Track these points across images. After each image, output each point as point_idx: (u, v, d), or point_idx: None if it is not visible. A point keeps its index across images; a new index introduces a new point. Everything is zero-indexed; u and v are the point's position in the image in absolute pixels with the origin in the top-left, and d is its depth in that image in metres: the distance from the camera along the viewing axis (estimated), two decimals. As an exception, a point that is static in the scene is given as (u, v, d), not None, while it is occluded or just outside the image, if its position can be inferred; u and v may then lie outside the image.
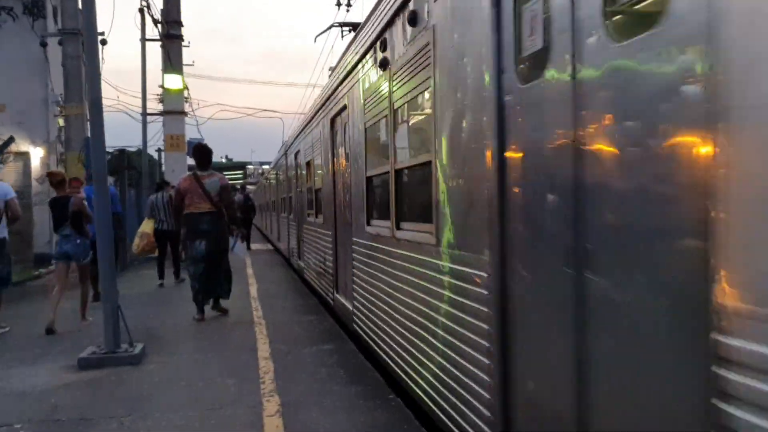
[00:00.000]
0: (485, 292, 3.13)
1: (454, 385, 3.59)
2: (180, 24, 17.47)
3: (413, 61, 4.23)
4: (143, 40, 18.20)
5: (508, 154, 2.89)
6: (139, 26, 17.97)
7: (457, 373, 3.53)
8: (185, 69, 33.59)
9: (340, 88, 7.32)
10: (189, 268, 8.77)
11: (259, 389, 5.42)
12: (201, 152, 8.86)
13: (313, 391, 5.37)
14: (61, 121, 18.16)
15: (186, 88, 18.46)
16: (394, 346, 5.01)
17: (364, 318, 6.34)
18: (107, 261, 6.58)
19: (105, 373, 6.09)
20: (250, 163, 75.11)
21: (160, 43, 17.76)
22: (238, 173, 63.49)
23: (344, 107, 7.10)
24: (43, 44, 16.72)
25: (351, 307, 7.03)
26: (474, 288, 3.27)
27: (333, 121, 8.16)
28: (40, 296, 11.41)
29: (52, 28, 17.58)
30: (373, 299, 5.79)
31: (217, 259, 8.62)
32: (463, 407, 3.46)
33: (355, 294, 6.75)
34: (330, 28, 12.35)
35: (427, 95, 4.06)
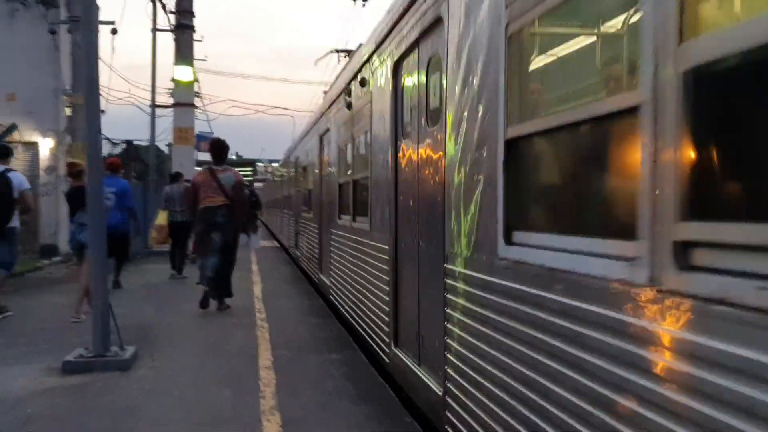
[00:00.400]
0: (387, 257, 5.25)
1: (374, 308, 5.90)
2: (192, 14, 16.97)
3: (362, 109, 6.48)
4: (154, 30, 17.70)
5: (399, 176, 4.93)
6: (151, 16, 17.48)
7: (376, 300, 5.78)
8: (197, 64, 33.10)
9: (325, 113, 9.53)
10: (200, 260, 8.92)
11: (258, 404, 4.84)
12: (217, 147, 9.05)
13: (318, 407, 4.79)
14: (68, 111, 17.64)
15: (197, 80, 17.95)
16: (347, 297, 7.36)
17: (334, 286, 8.44)
18: (99, 256, 6.02)
19: (90, 379, 5.53)
20: (260, 161, 74.55)
21: (171, 35, 17.24)
22: (248, 170, 63.23)
23: (327, 129, 9.28)
24: (52, 32, 16.23)
25: (328, 282, 9.02)
26: (383, 254, 5.41)
27: (321, 138, 10.09)
28: (36, 289, 10.92)
29: (65, 17, 17.10)
30: (339, 270, 7.96)
31: (229, 252, 8.76)
32: (375, 316, 5.84)
33: (330, 271, 8.75)
34: (328, 54, 14.23)
35: (366, 134, 6.24)
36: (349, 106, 7.22)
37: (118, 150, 15.05)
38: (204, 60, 37.10)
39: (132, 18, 18.77)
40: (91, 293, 6.92)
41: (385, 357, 5.39)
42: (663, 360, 1.78)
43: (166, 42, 16.93)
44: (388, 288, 5.19)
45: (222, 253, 8.60)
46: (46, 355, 6.27)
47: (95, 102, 6.06)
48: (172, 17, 17.16)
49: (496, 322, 2.92)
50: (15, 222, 8.07)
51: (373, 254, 5.79)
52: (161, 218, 12.02)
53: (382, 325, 5.45)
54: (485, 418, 3.03)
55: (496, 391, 2.90)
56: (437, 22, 3.80)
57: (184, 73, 16.74)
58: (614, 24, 2.36)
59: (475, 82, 3.13)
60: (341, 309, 7.84)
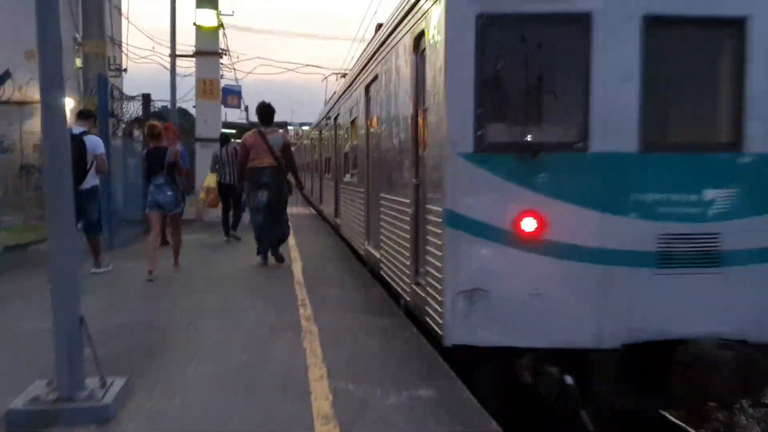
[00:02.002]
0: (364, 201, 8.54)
1: (355, 226, 9.32)
2: (216, -51, 14.62)
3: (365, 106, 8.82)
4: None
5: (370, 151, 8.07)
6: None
7: (357, 220, 9.11)
8: (224, 19, 30.86)
9: (375, 56, 7.90)
10: (251, 218, 9.34)
11: None
12: (265, 110, 9.10)
13: None
14: (78, 62, 15.44)
15: (221, 26, 15.57)
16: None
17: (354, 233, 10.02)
18: (65, 236, 3.83)
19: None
20: (291, 124, 72.58)
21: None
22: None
23: (376, 77, 7.83)
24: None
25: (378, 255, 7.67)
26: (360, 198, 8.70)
27: (367, 88, 8.61)
28: (36, 267, 8.76)
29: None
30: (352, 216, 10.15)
31: (277, 210, 8.95)
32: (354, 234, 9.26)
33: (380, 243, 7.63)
34: (327, 77, 16.35)
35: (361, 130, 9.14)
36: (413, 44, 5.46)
37: (132, 107, 12.81)
38: (231, 15, 34.94)
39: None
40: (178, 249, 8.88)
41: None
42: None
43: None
44: (364, 211, 8.80)
45: (270, 211, 8.83)
46: (11, 379, 4.15)
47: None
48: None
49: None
50: (93, 180, 8.26)
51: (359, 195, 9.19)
52: (210, 180, 12.04)
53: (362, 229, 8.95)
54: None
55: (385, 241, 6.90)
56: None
57: (207, 18, 14.47)
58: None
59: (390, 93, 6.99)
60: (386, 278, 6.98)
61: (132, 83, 38.00)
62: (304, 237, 12.57)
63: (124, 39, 28.79)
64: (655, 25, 4.09)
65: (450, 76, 4.26)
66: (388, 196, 6.79)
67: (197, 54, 14.78)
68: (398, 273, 6.19)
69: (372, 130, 8.12)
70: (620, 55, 4.10)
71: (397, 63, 6.15)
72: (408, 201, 5.67)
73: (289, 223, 9.52)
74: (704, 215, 4.16)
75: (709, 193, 4.17)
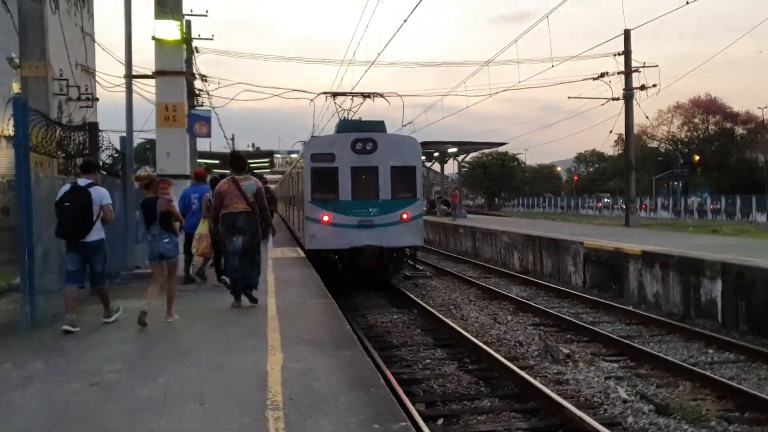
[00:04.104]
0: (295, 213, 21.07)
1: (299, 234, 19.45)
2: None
3: (293, 174, 22.74)
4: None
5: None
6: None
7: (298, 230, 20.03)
8: (202, 44, 28.47)
9: (287, 172, 29.65)
10: (230, 261, 9.74)
11: None
12: (238, 159, 10.03)
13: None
14: (15, 86, 12.89)
15: (184, 40, 13.19)
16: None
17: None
18: None
19: None
20: (278, 152, 70.53)
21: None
22: (265, 161, 59.45)
23: (293, 173, 22.99)
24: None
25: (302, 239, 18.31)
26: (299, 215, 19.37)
27: (290, 175, 25.22)
28: None
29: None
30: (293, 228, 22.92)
31: (251, 254, 9.55)
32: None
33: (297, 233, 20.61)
34: (313, 100, 34.26)
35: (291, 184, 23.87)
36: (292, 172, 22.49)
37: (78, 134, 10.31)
38: (210, 39, 32.66)
39: None
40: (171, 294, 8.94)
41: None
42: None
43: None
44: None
45: (244, 254, 9.45)
46: None
47: None
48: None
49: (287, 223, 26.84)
50: (99, 234, 8.37)
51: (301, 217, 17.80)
52: (203, 227, 11.68)
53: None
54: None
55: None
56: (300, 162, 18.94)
57: (167, 30, 12.21)
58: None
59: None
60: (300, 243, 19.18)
61: (106, 114, 35.41)
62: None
63: (100, 66, 26.74)
64: (354, 168, 16.00)
65: (305, 175, 16.16)
66: (296, 211, 20.23)
67: (157, 74, 12.47)
68: (298, 236, 19.47)
69: (290, 187, 23.20)
70: (345, 173, 15.98)
71: (297, 169, 19.60)
72: (299, 212, 18.04)
73: (260, 266, 10.05)
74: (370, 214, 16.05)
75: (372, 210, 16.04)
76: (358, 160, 15.89)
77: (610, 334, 11.57)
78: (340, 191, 15.85)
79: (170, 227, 8.74)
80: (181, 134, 12.66)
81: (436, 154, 44.03)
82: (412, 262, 18.92)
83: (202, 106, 26.07)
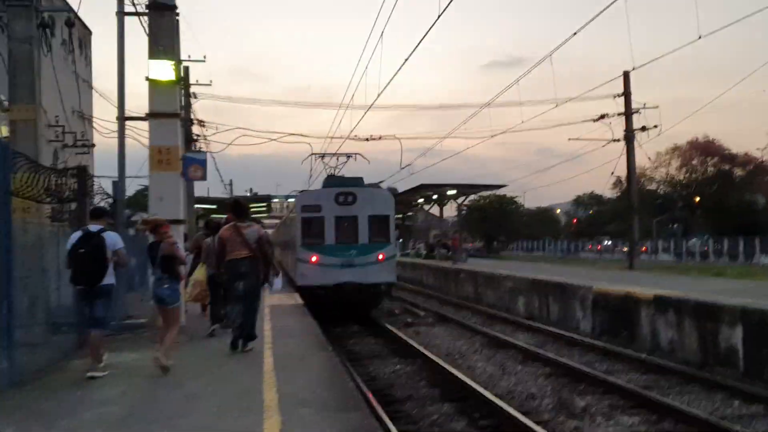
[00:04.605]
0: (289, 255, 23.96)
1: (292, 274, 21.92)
2: (173, -10, 12.05)
3: (286, 221, 27.62)
4: (121, 13, 12.80)
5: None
6: None
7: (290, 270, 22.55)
8: (200, 90, 28.29)
9: (284, 218, 33.28)
10: (229, 308, 10.31)
11: None
12: (239, 206, 10.45)
13: None
14: (4, 130, 12.52)
15: (179, 80, 12.85)
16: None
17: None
18: None
19: None
20: (275, 197, 70.07)
21: (143, 20, 12.27)
22: (262, 206, 59.23)
23: (287, 220, 27.99)
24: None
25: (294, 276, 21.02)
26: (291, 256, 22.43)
27: (283, 223, 32.02)
28: None
29: None
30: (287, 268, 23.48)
31: (252, 299, 9.86)
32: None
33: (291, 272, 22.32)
34: (310, 156, 25.46)
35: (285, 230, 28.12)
36: (286, 220, 27.76)
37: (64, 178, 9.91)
38: (209, 85, 32.62)
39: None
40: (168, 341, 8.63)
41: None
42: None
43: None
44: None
45: (245, 299, 9.72)
46: None
47: None
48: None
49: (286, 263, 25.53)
50: (110, 279, 8.37)
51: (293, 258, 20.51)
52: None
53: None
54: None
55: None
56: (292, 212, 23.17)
57: (162, 70, 11.82)
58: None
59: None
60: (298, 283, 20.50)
61: (104, 159, 35.39)
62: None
63: (97, 112, 26.47)
64: (337, 217, 19.56)
65: (297, 223, 19.95)
66: (289, 253, 23.07)
67: (150, 116, 12.08)
68: (291, 275, 21.64)
69: (284, 233, 27.17)
70: (330, 221, 19.47)
71: (290, 217, 23.81)
72: (292, 254, 21.33)
73: (257, 314, 10.28)
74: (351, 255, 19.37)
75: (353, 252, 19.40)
76: (340, 210, 19.48)
77: (627, 385, 10.96)
78: (326, 236, 19.37)
79: (172, 271, 8.76)
80: (175, 178, 12.19)
81: (434, 197, 43.78)
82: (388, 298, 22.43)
83: (199, 150, 25.72)
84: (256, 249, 9.65)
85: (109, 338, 10.95)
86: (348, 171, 23.44)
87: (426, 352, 13.92)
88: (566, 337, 16.19)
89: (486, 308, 23.21)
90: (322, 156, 24.16)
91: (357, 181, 20.77)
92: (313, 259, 19.13)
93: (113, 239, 8.43)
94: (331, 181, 21.13)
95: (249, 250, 9.59)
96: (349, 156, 23.54)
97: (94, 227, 8.39)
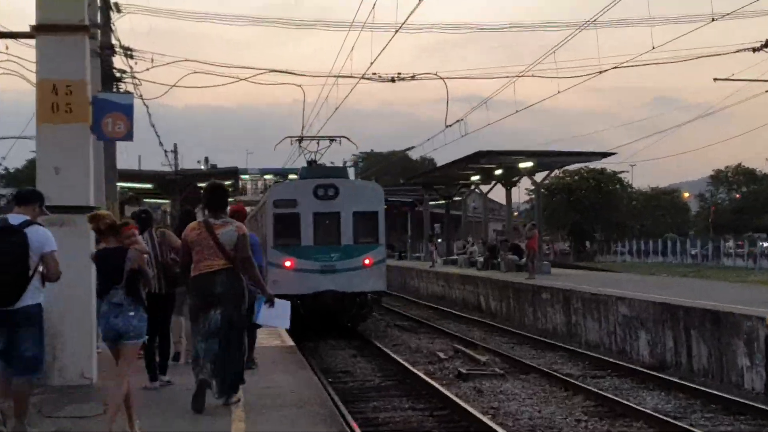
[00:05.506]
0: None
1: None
2: None
3: (256, 216, 33.77)
4: None
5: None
6: None
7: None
8: (145, 19, 27.32)
9: (257, 210, 35.52)
10: (198, 345, 9.95)
11: None
12: (215, 193, 10.34)
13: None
14: None
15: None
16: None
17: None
18: None
19: None
20: (248, 171, 68.63)
21: None
22: (227, 183, 58.81)
23: (256, 215, 34.05)
24: None
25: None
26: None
27: (253, 216, 33.25)
28: None
29: None
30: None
31: (236, 332, 9.95)
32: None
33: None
34: (283, 139, 31.78)
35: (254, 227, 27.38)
36: (256, 215, 33.17)
37: None
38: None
39: None
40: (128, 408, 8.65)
41: None
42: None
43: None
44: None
45: (226, 334, 9.76)
46: None
47: None
48: None
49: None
50: (37, 296, 8.44)
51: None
52: None
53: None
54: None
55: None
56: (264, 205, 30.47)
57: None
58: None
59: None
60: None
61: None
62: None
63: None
64: (316, 214, 26.41)
65: (268, 221, 27.35)
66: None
67: (39, 29, 10.96)
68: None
69: (254, 229, 24.10)
70: (307, 216, 26.32)
71: (260, 212, 31.84)
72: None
73: (245, 354, 10.84)
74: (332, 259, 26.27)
75: (334, 256, 26.26)
76: (320, 206, 24.63)
77: None
78: (303, 236, 24.71)
79: (137, 294, 8.91)
80: (82, 135, 11.00)
81: (498, 172, 42.58)
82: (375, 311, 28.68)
83: (124, 92, 24.57)
84: (236, 256, 9.86)
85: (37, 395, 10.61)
86: (370, 141, 27.59)
87: (497, 429, 13.12)
88: (725, 400, 15.68)
89: (585, 349, 23.27)
90: (300, 140, 29.53)
91: (340, 172, 25.71)
92: (288, 263, 24.53)
93: (41, 238, 8.46)
94: (309, 172, 26.26)
95: (226, 258, 9.78)
96: (333, 139, 28.40)
97: (15, 218, 8.48)
